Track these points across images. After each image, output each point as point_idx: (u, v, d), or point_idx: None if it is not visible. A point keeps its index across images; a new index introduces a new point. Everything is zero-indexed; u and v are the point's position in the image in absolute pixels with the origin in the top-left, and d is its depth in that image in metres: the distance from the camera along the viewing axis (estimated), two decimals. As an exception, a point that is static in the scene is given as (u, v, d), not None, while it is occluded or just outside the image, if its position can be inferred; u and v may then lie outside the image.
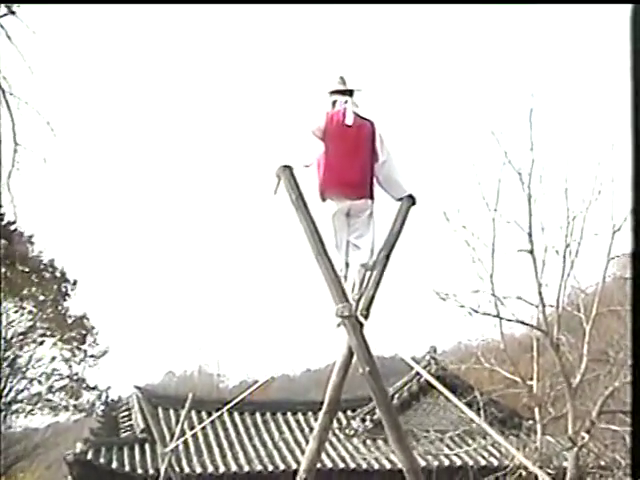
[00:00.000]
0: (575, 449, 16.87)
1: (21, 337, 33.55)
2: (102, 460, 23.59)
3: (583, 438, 16.92)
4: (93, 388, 35.51)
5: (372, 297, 7.20)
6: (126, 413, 27.54)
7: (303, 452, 15.59)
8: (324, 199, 7.45)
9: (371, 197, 7.54)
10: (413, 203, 7.55)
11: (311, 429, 23.81)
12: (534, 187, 17.27)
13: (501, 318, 17.52)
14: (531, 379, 17.96)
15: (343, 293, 7.09)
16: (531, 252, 17.21)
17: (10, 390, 33.56)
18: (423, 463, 22.01)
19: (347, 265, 7.41)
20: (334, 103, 7.59)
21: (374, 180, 7.55)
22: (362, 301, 7.17)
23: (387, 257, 7.30)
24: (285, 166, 7.29)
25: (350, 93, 7.61)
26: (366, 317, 7.07)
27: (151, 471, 22.74)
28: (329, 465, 23.94)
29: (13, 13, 11.75)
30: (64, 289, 34.10)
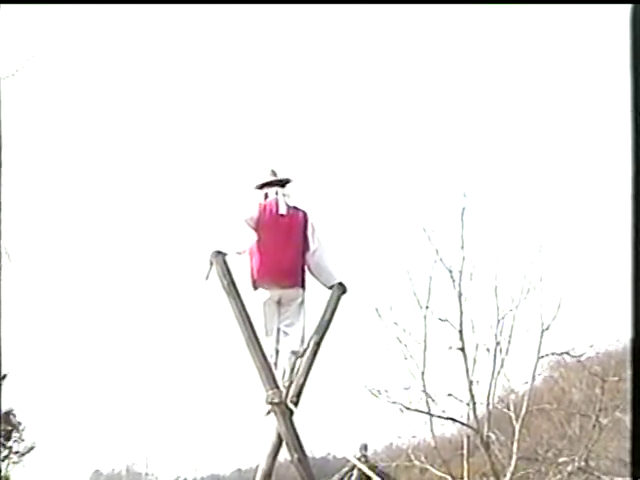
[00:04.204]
0: None
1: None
2: None
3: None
4: (16, 487, 34.37)
5: (302, 384, 7.20)
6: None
7: None
8: (256, 287, 7.48)
9: (302, 285, 7.59)
10: (344, 291, 7.63)
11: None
12: (465, 285, 17.59)
13: (432, 415, 17.58)
14: (462, 478, 17.93)
15: (273, 380, 7.09)
16: (462, 350, 17.38)
17: None
18: None
19: (277, 352, 7.39)
20: (266, 195, 7.66)
21: (305, 268, 7.62)
22: (292, 388, 7.15)
23: (318, 344, 7.32)
24: (218, 252, 7.33)
25: (281, 184, 7.72)
26: (296, 404, 7.07)
27: None
28: None
29: None
30: (-9, 384, 33.27)
